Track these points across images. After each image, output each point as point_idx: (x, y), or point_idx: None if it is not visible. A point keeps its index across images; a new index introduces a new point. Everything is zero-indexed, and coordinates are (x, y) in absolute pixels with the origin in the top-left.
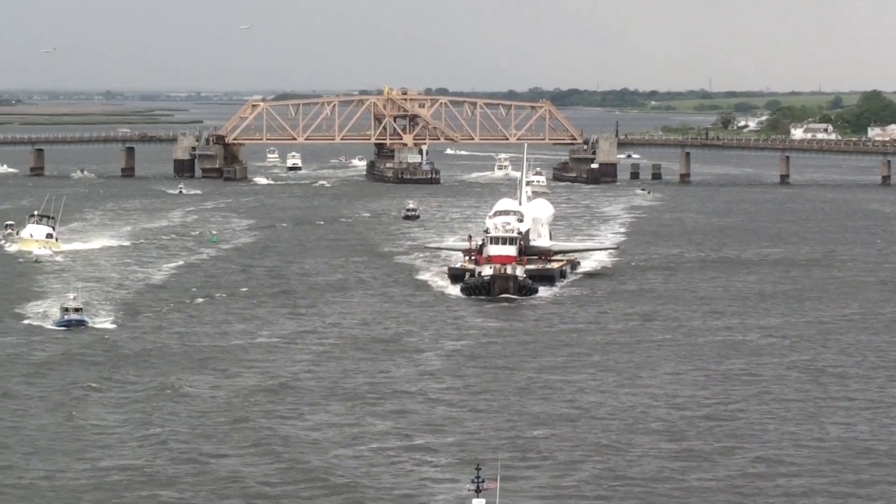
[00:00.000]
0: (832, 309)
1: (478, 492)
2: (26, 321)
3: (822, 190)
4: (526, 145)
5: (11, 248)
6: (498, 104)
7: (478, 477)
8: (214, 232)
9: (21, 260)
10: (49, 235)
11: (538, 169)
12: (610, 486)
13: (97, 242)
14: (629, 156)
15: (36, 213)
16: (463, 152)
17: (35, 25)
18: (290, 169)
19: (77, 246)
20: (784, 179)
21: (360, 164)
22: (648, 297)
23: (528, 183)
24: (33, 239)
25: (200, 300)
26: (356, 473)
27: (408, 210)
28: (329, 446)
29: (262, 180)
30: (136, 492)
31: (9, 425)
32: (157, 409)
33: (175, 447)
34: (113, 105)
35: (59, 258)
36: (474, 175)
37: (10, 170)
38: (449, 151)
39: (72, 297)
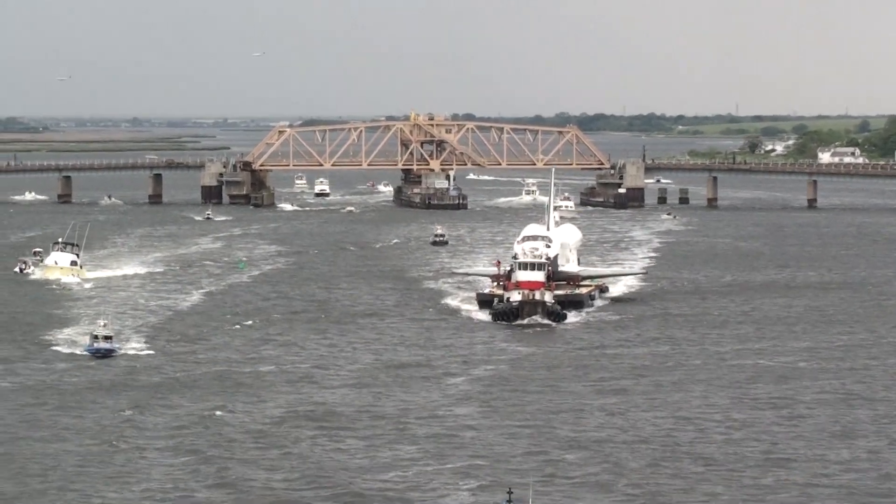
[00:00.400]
0: (861, 333)
1: None
2: (56, 348)
3: (849, 214)
4: (553, 170)
5: (37, 275)
6: (525, 129)
7: (509, 501)
8: (243, 259)
9: (52, 287)
10: (73, 263)
11: (566, 194)
12: None
13: (126, 269)
14: (658, 181)
15: (60, 240)
16: (486, 177)
17: (61, 53)
18: (319, 195)
19: (106, 273)
20: (811, 203)
21: (386, 189)
22: (677, 322)
23: (555, 208)
24: (58, 266)
25: (230, 327)
26: (388, 497)
27: (436, 235)
28: (360, 471)
29: (287, 206)
30: None
31: (39, 451)
32: (190, 435)
33: (208, 472)
34: (140, 132)
35: (88, 285)
36: (501, 200)
37: (39, 197)
38: (471, 177)
39: (102, 323)
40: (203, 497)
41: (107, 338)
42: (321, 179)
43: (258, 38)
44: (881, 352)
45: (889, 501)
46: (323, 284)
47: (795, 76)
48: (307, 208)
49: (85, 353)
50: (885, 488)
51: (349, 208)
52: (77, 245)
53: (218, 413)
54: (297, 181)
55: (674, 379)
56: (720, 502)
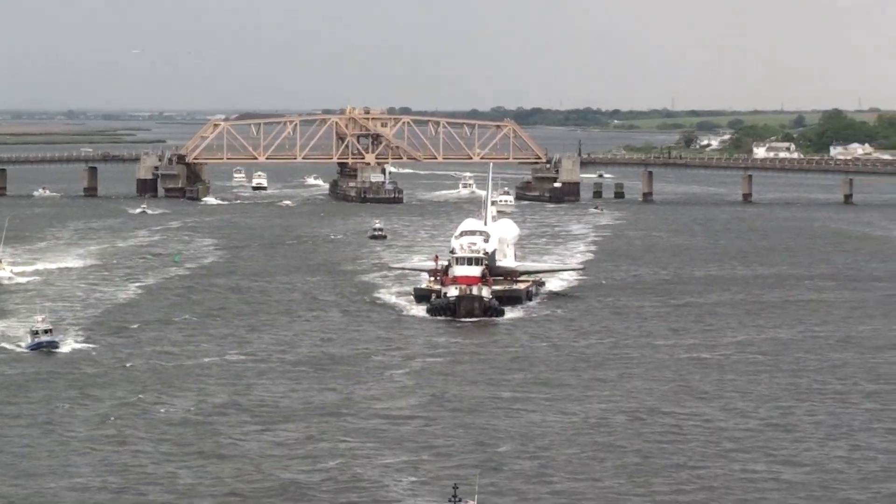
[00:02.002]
0: (796, 327)
1: None
2: None
3: (784, 209)
4: (492, 165)
5: None
6: (462, 123)
7: (455, 496)
8: (178, 251)
9: None
10: None
11: (506, 188)
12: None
13: (61, 263)
14: (601, 175)
15: None
16: (408, 171)
17: None
18: (256, 188)
19: (40, 266)
20: (747, 198)
21: (316, 182)
22: (614, 316)
23: (493, 203)
24: None
25: (167, 319)
26: (329, 491)
27: (374, 230)
28: (299, 464)
29: (211, 200)
30: None
31: None
32: (126, 427)
33: (146, 464)
34: (75, 124)
35: (23, 279)
36: (437, 193)
37: None
38: (393, 170)
39: (40, 318)
40: (142, 489)
41: (46, 331)
42: (259, 173)
43: (196, 31)
44: (815, 345)
45: (825, 493)
46: (260, 278)
47: (731, 71)
48: (236, 202)
49: (28, 349)
50: (819, 478)
51: (286, 202)
52: None
53: (156, 405)
54: (236, 175)
55: (612, 372)
56: (657, 494)
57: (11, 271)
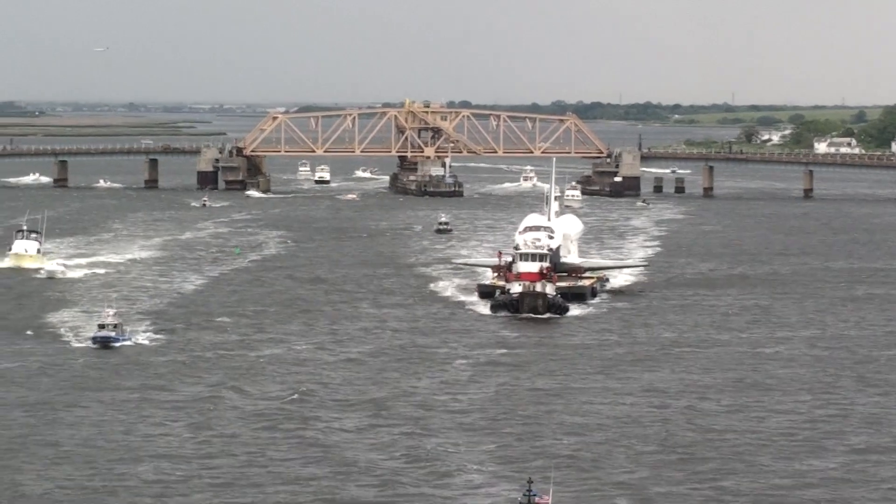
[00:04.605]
0: (860, 322)
1: None
2: (63, 337)
3: (846, 204)
4: (555, 159)
5: (6, 263)
6: (524, 117)
7: (529, 490)
8: (238, 244)
9: (40, 276)
10: (38, 251)
11: (574, 183)
12: (649, 497)
13: (124, 254)
14: (674, 171)
15: (24, 228)
16: (469, 164)
17: (58, 39)
18: (319, 182)
19: (100, 258)
20: (808, 193)
21: (364, 175)
22: (678, 313)
23: (556, 198)
24: (28, 254)
25: (233, 312)
26: (400, 484)
27: (440, 223)
28: (368, 454)
29: (254, 193)
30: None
31: (59, 436)
32: (191, 421)
33: (213, 452)
34: (136, 116)
35: (77, 273)
36: (498, 187)
37: (44, 178)
38: (454, 164)
39: (112, 312)
40: (211, 473)
41: (114, 326)
42: (322, 166)
43: (256, 25)
44: (882, 341)
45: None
46: (323, 272)
47: (792, 65)
48: (279, 196)
49: (92, 342)
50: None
51: (351, 195)
52: (38, 232)
53: (221, 400)
54: (301, 168)
55: (677, 367)
56: (726, 491)
57: (64, 265)
